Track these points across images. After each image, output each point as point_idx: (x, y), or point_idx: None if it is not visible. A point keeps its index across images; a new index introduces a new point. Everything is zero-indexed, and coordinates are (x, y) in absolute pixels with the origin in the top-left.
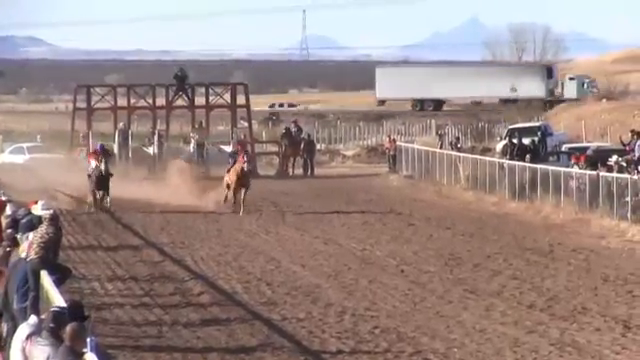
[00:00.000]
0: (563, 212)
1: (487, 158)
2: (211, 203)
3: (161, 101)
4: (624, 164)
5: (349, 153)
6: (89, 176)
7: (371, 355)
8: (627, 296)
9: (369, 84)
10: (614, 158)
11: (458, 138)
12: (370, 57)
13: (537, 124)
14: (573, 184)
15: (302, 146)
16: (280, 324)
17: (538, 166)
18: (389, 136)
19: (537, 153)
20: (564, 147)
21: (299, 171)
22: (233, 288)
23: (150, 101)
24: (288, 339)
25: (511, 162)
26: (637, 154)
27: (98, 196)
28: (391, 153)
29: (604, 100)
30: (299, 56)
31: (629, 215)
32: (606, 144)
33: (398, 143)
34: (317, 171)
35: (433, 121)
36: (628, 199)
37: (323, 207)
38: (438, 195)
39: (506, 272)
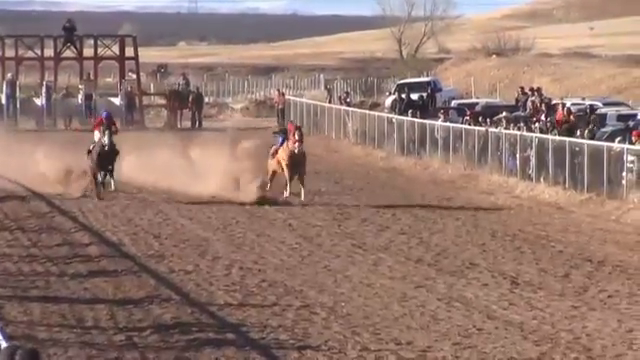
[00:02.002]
0: (452, 168)
1: (376, 113)
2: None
3: (49, 52)
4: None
5: (237, 106)
6: (89, 152)
7: (258, 308)
8: (515, 252)
9: (258, 37)
10: (503, 114)
11: (347, 93)
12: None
13: (426, 79)
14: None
15: (190, 99)
16: (168, 276)
17: (427, 121)
18: (278, 90)
19: (426, 108)
20: (453, 103)
21: (187, 124)
22: (121, 240)
23: (38, 52)
24: (176, 291)
25: (400, 117)
26: (527, 111)
27: (100, 178)
28: (280, 107)
29: (494, 56)
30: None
31: (518, 171)
32: (495, 100)
33: (287, 97)
34: (205, 124)
35: (322, 75)
36: (517, 155)
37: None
38: (326, 149)
39: (394, 227)
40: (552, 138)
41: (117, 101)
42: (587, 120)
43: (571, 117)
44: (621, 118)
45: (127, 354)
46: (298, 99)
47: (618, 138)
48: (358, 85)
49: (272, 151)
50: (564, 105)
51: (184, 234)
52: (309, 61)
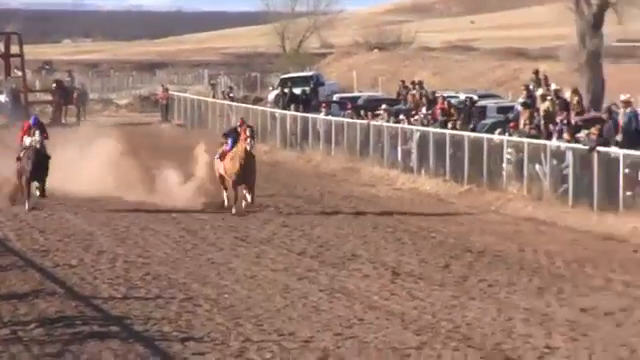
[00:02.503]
0: (334, 161)
1: (259, 107)
2: None
3: None
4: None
5: (122, 102)
6: (18, 159)
7: (142, 301)
8: (396, 243)
9: (142, 34)
10: (384, 107)
11: (231, 88)
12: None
13: (309, 74)
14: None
15: (75, 95)
16: (53, 271)
17: (309, 115)
18: (162, 86)
19: (309, 102)
20: (335, 97)
21: (73, 119)
22: (6, 235)
23: None
24: (60, 285)
25: (282, 111)
26: (408, 104)
27: (27, 185)
28: (163, 102)
29: (376, 50)
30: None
31: (399, 163)
32: (377, 93)
33: (171, 92)
34: (90, 120)
35: (206, 71)
36: (398, 148)
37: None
38: (209, 143)
39: (277, 220)
40: (433, 130)
41: (2, 98)
42: (468, 112)
43: (452, 110)
44: (501, 110)
45: (12, 348)
46: (182, 94)
47: (498, 130)
48: (242, 80)
49: (219, 153)
50: (444, 98)
51: (69, 229)
52: (193, 57)
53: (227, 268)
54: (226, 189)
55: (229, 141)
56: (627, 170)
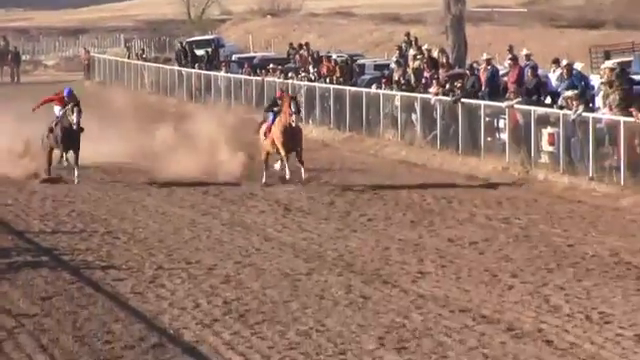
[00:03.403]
0: (233, 112)
1: (167, 67)
2: None
3: None
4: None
5: (50, 63)
6: (51, 130)
7: (68, 235)
8: (287, 184)
9: (67, 3)
10: (271, 65)
11: (143, 50)
12: None
13: (211, 37)
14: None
15: (9, 57)
16: None
17: (212, 73)
18: (84, 48)
19: (211, 62)
20: (234, 57)
21: (7, 79)
22: None
23: None
24: None
25: (188, 70)
26: (297, 63)
27: (64, 158)
28: (86, 63)
29: (268, 16)
30: None
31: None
32: (270, 54)
33: (92, 54)
34: (23, 79)
35: (122, 36)
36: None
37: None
38: (125, 96)
39: (184, 163)
40: (319, 85)
41: None
42: (349, 69)
43: (336, 67)
44: (377, 67)
45: None
46: (102, 56)
47: (374, 85)
48: (153, 43)
49: (264, 129)
50: (329, 57)
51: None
52: (111, 23)
53: (141, 206)
54: (267, 168)
55: (270, 116)
56: (487, 119)
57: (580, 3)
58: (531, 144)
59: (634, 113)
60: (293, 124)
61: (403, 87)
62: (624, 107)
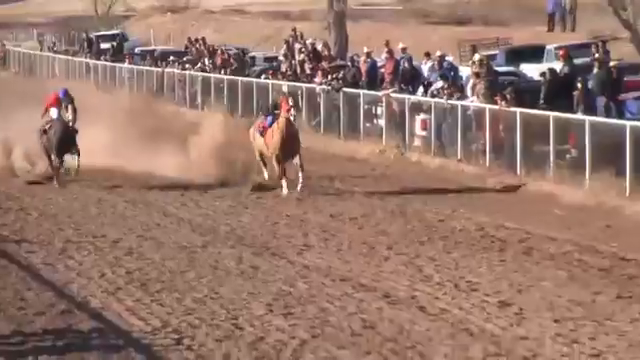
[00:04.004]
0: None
1: (77, 59)
2: None
3: None
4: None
5: None
6: (44, 132)
7: None
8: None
9: None
10: (171, 58)
11: (54, 43)
12: None
13: (116, 32)
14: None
15: None
16: None
17: (117, 64)
18: (0, 41)
19: (116, 54)
20: (137, 50)
21: None
22: None
23: None
24: None
25: (95, 61)
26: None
27: (57, 162)
28: (1, 55)
29: (169, 13)
30: None
31: (187, 102)
32: (170, 47)
33: (7, 47)
34: None
35: (35, 30)
36: (186, 89)
37: None
38: (38, 84)
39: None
40: (214, 76)
41: None
42: (243, 61)
43: (231, 59)
44: (267, 60)
45: None
46: (17, 49)
47: (264, 75)
48: (63, 37)
49: (258, 128)
50: (223, 50)
51: None
52: (26, 19)
53: (51, 185)
54: (265, 165)
55: (269, 118)
56: (366, 106)
57: (451, 1)
58: (405, 129)
59: (498, 101)
60: (292, 118)
61: (290, 77)
62: (489, 96)
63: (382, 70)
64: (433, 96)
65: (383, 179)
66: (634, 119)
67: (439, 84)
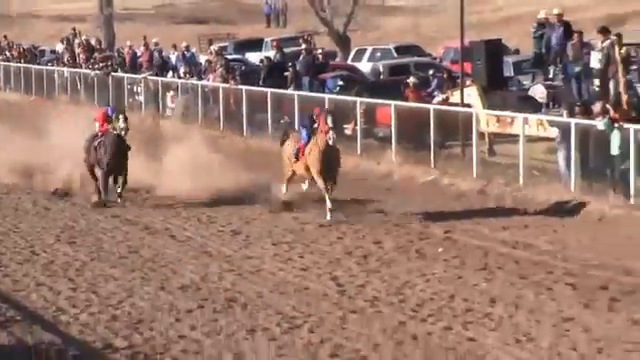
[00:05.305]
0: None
1: None
2: None
3: None
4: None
5: None
6: (95, 149)
7: None
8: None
9: None
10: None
11: None
12: None
13: None
14: None
15: None
16: None
17: None
18: None
19: None
20: None
21: None
22: None
23: None
24: None
25: None
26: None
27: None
28: None
29: None
30: None
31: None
32: None
33: None
34: None
35: None
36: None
37: None
38: None
39: None
40: (13, 65)
41: None
42: (34, 54)
43: (25, 52)
44: (52, 52)
45: None
46: None
47: (49, 64)
48: None
49: (293, 149)
50: (19, 46)
51: None
52: None
53: None
54: (287, 186)
55: (303, 134)
56: (129, 86)
57: (192, 5)
58: (159, 103)
59: (230, 81)
60: (330, 142)
61: (70, 65)
62: (223, 77)
63: (140, 59)
64: (179, 78)
65: (141, 141)
66: (331, 93)
67: (183, 69)
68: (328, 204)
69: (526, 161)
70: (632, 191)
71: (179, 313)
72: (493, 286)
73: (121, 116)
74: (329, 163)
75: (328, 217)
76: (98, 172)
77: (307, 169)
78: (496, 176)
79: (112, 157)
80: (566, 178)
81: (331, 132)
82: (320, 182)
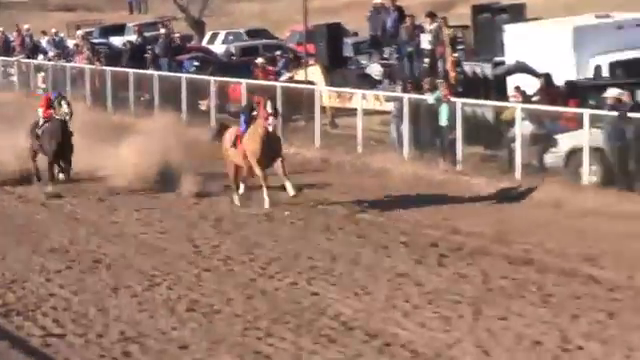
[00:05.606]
0: None
1: None
2: None
3: None
4: None
5: None
6: (37, 136)
7: None
8: None
9: None
10: None
11: None
12: None
13: None
14: None
15: None
16: None
17: None
18: None
19: None
20: None
21: None
22: None
23: None
24: None
25: None
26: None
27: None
28: None
29: None
30: None
31: None
32: None
33: None
34: None
35: None
36: None
37: None
38: None
39: None
40: None
41: None
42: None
43: None
44: None
45: None
46: None
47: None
48: None
49: (231, 136)
50: None
51: None
52: None
53: None
54: (238, 187)
55: (242, 121)
56: (2, 68)
57: None
58: (30, 83)
59: (97, 65)
60: (270, 128)
61: None
62: (90, 59)
63: (14, 43)
64: (49, 60)
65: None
66: (188, 73)
67: (53, 53)
68: (265, 192)
69: (364, 132)
70: (459, 158)
71: (49, 273)
72: (334, 245)
73: (63, 101)
74: (269, 151)
75: (266, 205)
76: (40, 157)
77: (245, 157)
78: (337, 146)
79: (58, 144)
80: (400, 148)
81: (271, 118)
82: (258, 170)
